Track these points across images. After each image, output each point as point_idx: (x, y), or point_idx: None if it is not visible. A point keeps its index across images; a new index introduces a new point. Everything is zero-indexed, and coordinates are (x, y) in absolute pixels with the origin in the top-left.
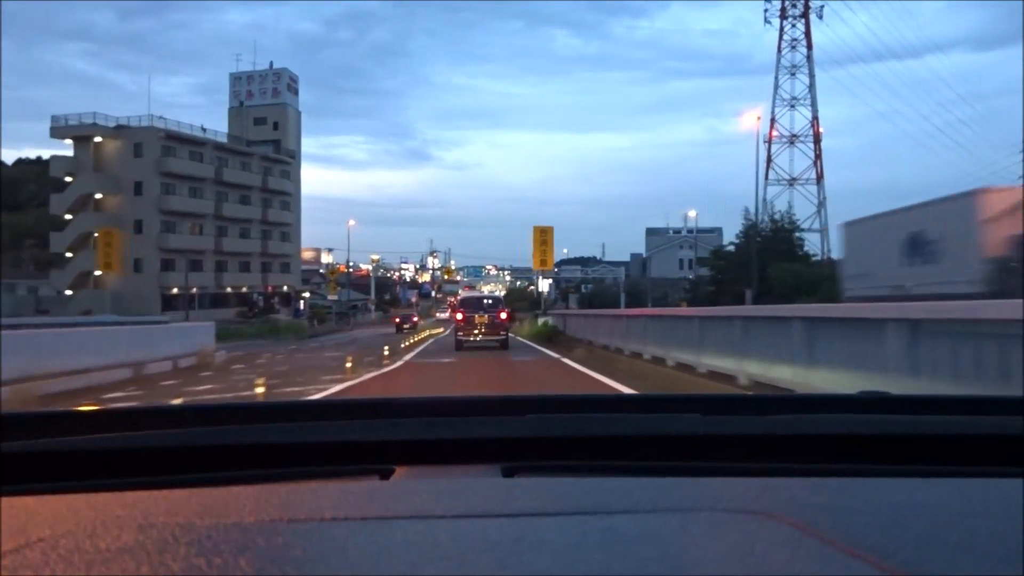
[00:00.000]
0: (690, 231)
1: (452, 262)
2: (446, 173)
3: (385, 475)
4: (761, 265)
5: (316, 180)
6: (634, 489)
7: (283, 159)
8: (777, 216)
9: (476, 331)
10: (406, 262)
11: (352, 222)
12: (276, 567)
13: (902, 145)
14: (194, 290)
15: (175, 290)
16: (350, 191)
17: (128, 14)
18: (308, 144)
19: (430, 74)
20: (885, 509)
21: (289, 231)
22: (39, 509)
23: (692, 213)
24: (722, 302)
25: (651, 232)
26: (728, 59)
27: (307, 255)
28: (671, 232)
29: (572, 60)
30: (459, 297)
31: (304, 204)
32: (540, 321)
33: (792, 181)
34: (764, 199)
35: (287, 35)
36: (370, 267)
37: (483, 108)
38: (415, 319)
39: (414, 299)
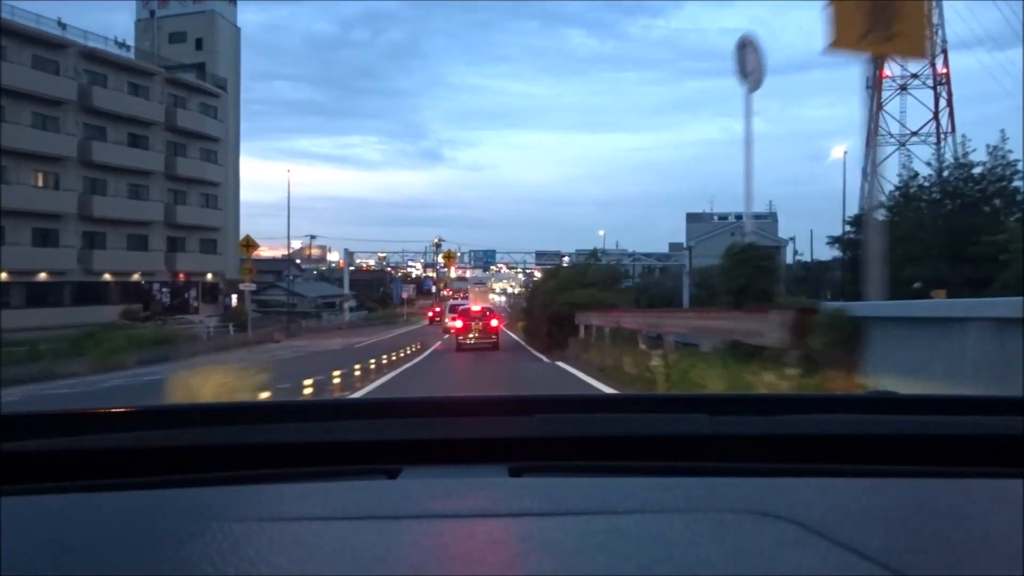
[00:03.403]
0: (738, 216)
1: (459, 252)
2: (461, 173)
3: (392, 475)
4: (956, 234)
5: (331, 180)
6: (641, 489)
7: (204, 87)
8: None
9: (472, 335)
10: (413, 260)
11: (289, 169)
12: (283, 566)
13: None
14: (43, 275)
15: (3, 275)
16: (364, 191)
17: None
18: (323, 144)
19: (446, 74)
20: (890, 509)
21: (216, 193)
22: (40, 509)
23: (840, 151)
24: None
25: (692, 218)
26: None
27: (314, 252)
28: (716, 218)
29: (588, 60)
30: (459, 307)
31: (317, 204)
32: None
33: (911, 134)
34: (874, 161)
35: (303, 35)
36: (342, 256)
37: (499, 108)
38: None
39: (405, 295)
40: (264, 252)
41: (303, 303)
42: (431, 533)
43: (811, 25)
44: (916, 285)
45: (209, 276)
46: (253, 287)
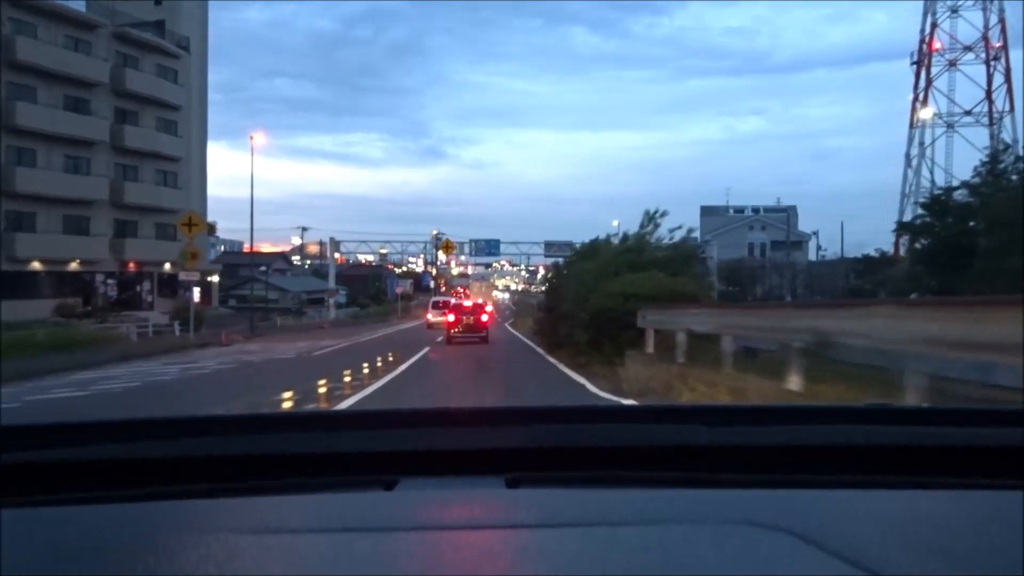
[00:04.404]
0: (755, 210)
1: (460, 244)
2: (463, 171)
3: (389, 486)
4: None
5: (333, 178)
6: (638, 500)
7: (161, 44)
8: None
9: (459, 328)
10: (414, 256)
11: (252, 136)
12: None
13: None
14: None
15: None
16: (366, 189)
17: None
18: (325, 142)
19: (448, 72)
20: (888, 521)
21: (175, 170)
22: (38, 521)
23: (929, 113)
24: None
25: (707, 211)
26: (747, 57)
27: (312, 249)
28: (731, 212)
29: (591, 58)
30: (442, 302)
31: (320, 203)
32: None
33: (965, 113)
34: (921, 143)
35: (305, 33)
36: (327, 242)
37: (501, 106)
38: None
39: (399, 290)
40: (267, 248)
41: (285, 298)
42: (428, 544)
43: (814, 24)
44: (913, 296)
45: (167, 266)
46: (196, 276)
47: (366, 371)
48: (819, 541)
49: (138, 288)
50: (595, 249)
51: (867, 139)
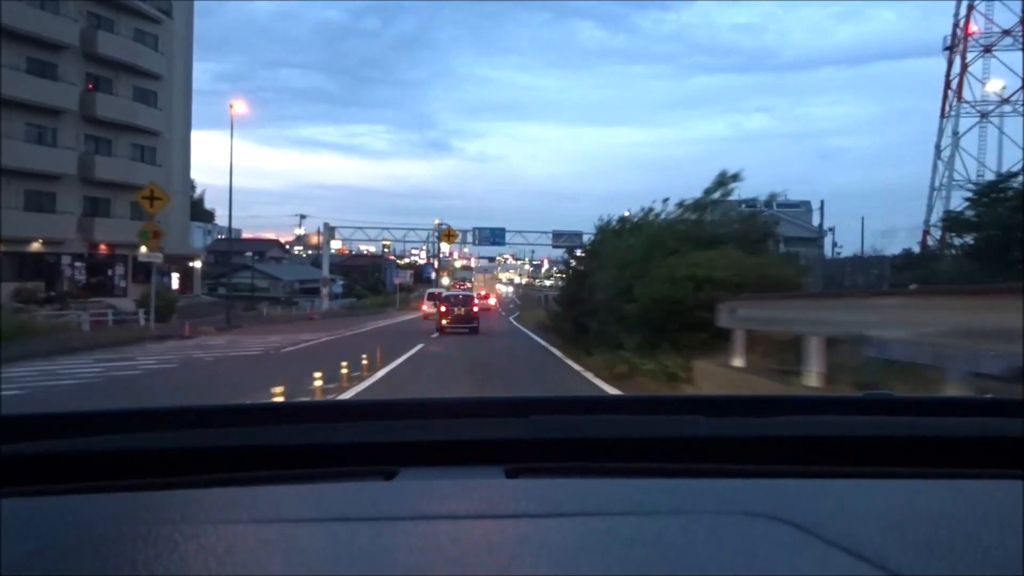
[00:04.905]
0: (767, 205)
1: (463, 232)
2: (468, 165)
3: (389, 476)
4: None
5: (337, 169)
6: (636, 491)
7: (139, 7)
8: None
9: (452, 319)
10: (417, 248)
11: (232, 105)
12: (279, 568)
13: None
14: None
15: None
16: (370, 181)
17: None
18: (330, 132)
19: (454, 65)
20: (887, 511)
21: (154, 144)
22: (36, 511)
23: (998, 85)
24: None
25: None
26: (754, 55)
27: (314, 239)
28: (743, 207)
29: (597, 53)
30: (436, 294)
31: (323, 193)
32: None
33: (1002, 102)
34: (955, 133)
35: (313, 24)
36: (321, 228)
37: (507, 100)
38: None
39: (398, 281)
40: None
41: (277, 287)
42: (428, 534)
43: (822, 22)
44: (912, 287)
45: (143, 249)
46: (159, 258)
47: (322, 380)
48: (818, 531)
49: (110, 272)
50: (634, 225)
51: (872, 138)
